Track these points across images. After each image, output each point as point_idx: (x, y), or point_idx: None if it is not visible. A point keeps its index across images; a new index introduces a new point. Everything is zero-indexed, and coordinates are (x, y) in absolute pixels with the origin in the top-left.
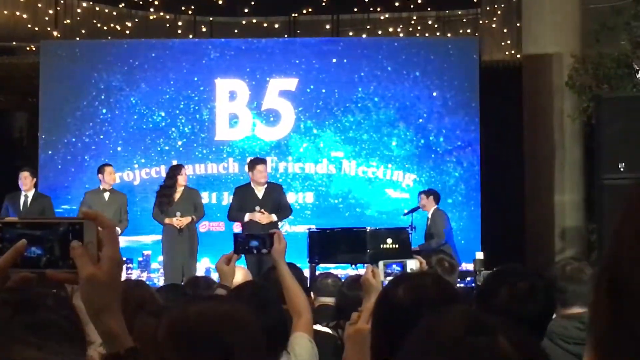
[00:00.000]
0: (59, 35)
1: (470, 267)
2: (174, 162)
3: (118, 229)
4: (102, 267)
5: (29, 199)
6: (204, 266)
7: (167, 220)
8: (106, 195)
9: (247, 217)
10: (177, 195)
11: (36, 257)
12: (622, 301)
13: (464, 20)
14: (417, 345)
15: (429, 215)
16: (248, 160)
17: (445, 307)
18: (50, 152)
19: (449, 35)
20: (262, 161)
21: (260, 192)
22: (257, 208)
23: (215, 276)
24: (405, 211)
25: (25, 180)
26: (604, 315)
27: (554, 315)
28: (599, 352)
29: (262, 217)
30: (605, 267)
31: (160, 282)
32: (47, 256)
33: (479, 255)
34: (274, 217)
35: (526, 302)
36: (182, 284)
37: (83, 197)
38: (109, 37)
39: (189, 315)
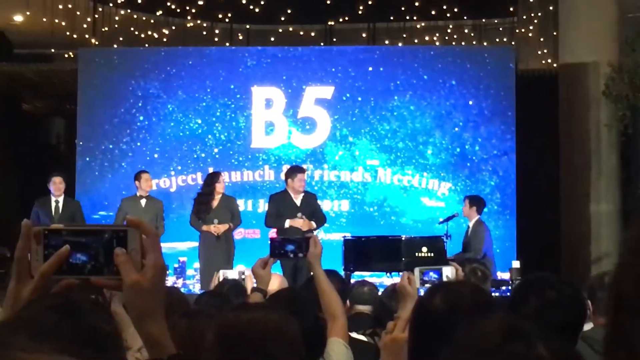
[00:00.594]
0: (96, 43)
1: (506, 276)
2: (210, 170)
3: None
4: (145, 274)
5: (60, 204)
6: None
7: (204, 228)
8: (143, 202)
9: (288, 223)
10: (215, 203)
11: (81, 263)
12: (623, 312)
13: (500, 28)
14: (456, 353)
15: (470, 225)
16: (287, 168)
17: (482, 315)
18: (87, 159)
19: (485, 43)
20: (303, 170)
21: (297, 199)
22: (299, 214)
23: (250, 282)
24: (441, 219)
25: (60, 185)
26: (609, 326)
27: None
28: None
29: (304, 223)
30: (611, 282)
31: (196, 289)
32: (92, 263)
33: (515, 264)
34: (313, 224)
35: (554, 310)
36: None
37: (120, 204)
38: (147, 45)
39: (238, 323)
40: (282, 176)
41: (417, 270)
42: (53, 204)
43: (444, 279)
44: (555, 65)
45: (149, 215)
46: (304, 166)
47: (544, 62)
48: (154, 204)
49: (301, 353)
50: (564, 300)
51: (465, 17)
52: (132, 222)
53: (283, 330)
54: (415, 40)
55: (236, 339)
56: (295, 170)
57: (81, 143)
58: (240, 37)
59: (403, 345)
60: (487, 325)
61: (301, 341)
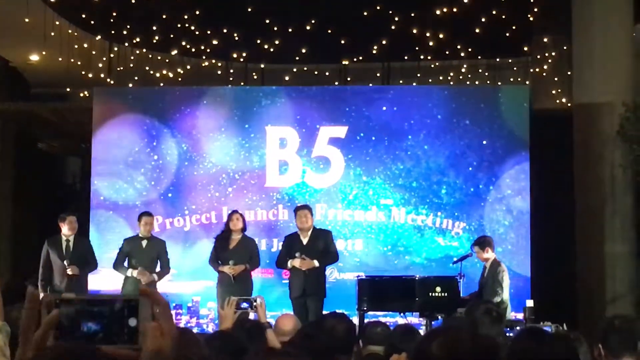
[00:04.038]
0: (112, 82)
1: (520, 316)
2: (224, 209)
3: (155, 276)
4: (166, 341)
5: (71, 243)
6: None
7: (220, 268)
8: (144, 242)
9: (289, 264)
10: (234, 243)
11: (92, 332)
12: None
13: (515, 68)
14: None
15: (487, 265)
16: None
17: None
18: (102, 198)
19: (499, 83)
20: (303, 207)
21: (305, 238)
22: (297, 254)
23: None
24: (455, 259)
25: (74, 224)
26: None
27: None
28: None
29: (302, 263)
30: None
31: (210, 328)
32: (104, 332)
33: (529, 303)
34: (315, 263)
35: None
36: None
37: (121, 244)
38: (162, 84)
39: None
40: None
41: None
42: (64, 243)
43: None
44: (569, 104)
45: (150, 255)
46: (317, 205)
47: (558, 101)
48: (155, 245)
49: None
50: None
51: (479, 57)
52: (143, 292)
53: None
54: (430, 80)
55: None
56: (296, 208)
57: (95, 182)
58: (255, 77)
59: None
60: None
61: None
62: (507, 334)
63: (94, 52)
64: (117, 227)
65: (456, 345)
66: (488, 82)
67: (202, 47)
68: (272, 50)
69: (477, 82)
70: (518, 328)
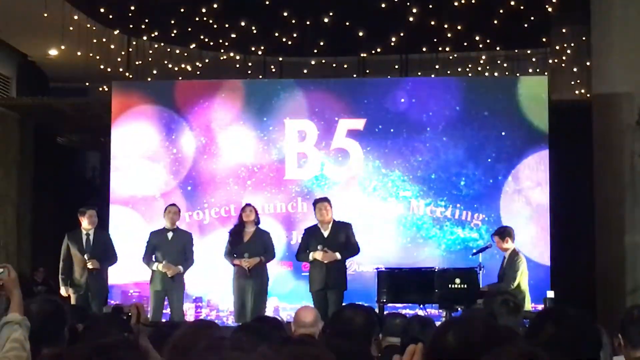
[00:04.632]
0: (130, 76)
1: (540, 307)
2: (243, 202)
3: (180, 268)
4: None
5: (91, 237)
6: (272, 305)
7: (235, 262)
8: (169, 234)
9: (311, 256)
10: (248, 236)
11: None
12: None
13: (533, 59)
14: None
15: (506, 255)
16: None
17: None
18: (121, 191)
19: (517, 74)
20: (322, 200)
21: (326, 231)
22: (319, 247)
23: (284, 314)
24: (474, 251)
25: (94, 218)
26: None
27: (623, 358)
28: None
29: (324, 256)
30: None
31: (229, 321)
32: None
33: (550, 294)
34: (337, 256)
35: (570, 341)
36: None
37: (148, 237)
38: (180, 78)
39: (282, 353)
40: None
41: None
42: (84, 237)
43: None
44: (588, 95)
45: (176, 247)
46: (336, 198)
47: (577, 92)
48: (181, 237)
49: None
50: (580, 332)
51: (497, 48)
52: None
53: None
54: (448, 72)
55: None
56: (315, 201)
57: (114, 176)
58: (273, 70)
59: None
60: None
61: None
62: (526, 325)
63: (112, 47)
64: (136, 221)
65: (471, 335)
66: (506, 73)
67: (221, 41)
68: (290, 43)
69: (495, 74)
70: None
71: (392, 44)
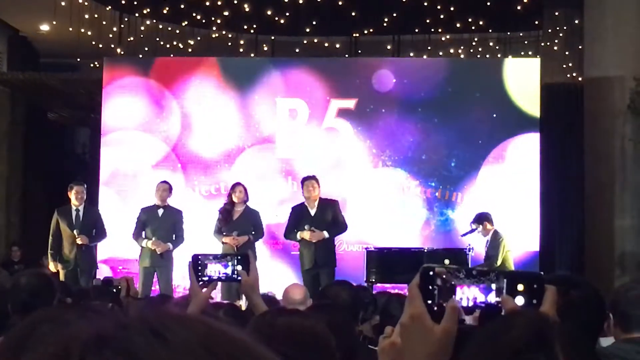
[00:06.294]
0: (122, 53)
1: None
2: (233, 180)
3: (170, 245)
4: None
5: (81, 213)
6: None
7: (224, 239)
8: (160, 211)
9: (299, 235)
10: (237, 215)
11: None
12: None
13: (526, 42)
14: (479, 354)
15: (488, 238)
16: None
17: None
18: (111, 167)
19: (510, 56)
20: (310, 177)
21: (313, 209)
22: (307, 226)
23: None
24: (462, 233)
25: (82, 194)
26: None
27: (612, 339)
28: None
29: (312, 235)
30: None
31: (217, 298)
32: None
33: None
34: (325, 234)
35: (578, 309)
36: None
37: (138, 213)
38: (172, 55)
39: (276, 324)
40: None
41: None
42: (74, 213)
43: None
44: (580, 79)
45: (166, 225)
46: (327, 177)
47: (569, 75)
48: (171, 214)
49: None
50: (587, 300)
51: (490, 30)
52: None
53: (319, 336)
54: (440, 53)
55: (272, 340)
56: (302, 180)
57: (105, 152)
58: (265, 48)
59: (400, 350)
60: (511, 328)
61: (335, 349)
62: None
63: (104, 23)
64: (126, 198)
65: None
66: (499, 55)
67: (213, 19)
68: (282, 22)
69: (487, 56)
70: None
71: (385, 24)
